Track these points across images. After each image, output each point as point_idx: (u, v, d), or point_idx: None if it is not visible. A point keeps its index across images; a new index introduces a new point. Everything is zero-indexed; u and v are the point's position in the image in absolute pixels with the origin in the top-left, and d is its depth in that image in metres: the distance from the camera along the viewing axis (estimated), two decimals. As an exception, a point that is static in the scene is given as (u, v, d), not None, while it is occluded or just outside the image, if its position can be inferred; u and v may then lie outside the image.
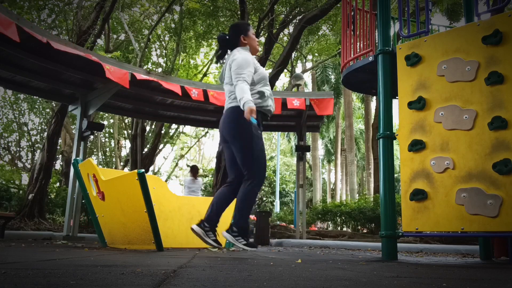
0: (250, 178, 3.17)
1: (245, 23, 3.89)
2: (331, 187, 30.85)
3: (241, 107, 3.04)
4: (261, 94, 3.27)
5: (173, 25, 14.15)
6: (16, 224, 8.80)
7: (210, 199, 6.15)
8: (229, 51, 3.46)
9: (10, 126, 20.22)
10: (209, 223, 3.20)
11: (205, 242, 3.20)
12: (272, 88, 11.48)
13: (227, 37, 3.43)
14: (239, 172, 3.27)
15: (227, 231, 3.19)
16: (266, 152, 3.37)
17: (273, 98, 3.43)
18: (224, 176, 10.54)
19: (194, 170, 8.92)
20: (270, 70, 12.48)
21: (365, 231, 11.52)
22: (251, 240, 3.38)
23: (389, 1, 3.91)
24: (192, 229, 3.20)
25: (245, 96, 3.04)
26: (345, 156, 24.32)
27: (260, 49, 10.17)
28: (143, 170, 3.86)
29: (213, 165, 20.48)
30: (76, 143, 7.57)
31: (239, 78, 3.12)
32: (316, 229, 12.45)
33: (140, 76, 6.95)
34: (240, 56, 3.23)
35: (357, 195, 20.11)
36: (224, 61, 3.48)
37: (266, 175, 3.51)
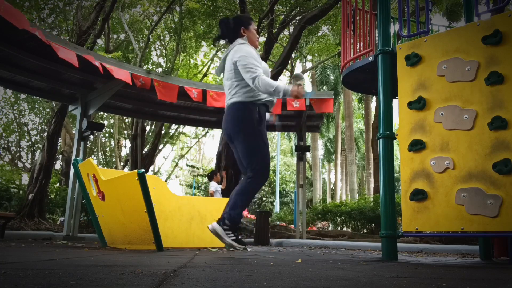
0: (251, 174, 3.06)
1: (248, 16, 3.77)
2: (331, 187, 30.85)
3: (282, 96, 2.99)
4: None
5: (173, 25, 14.15)
6: (16, 224, 8.80)
7: (209, 200, 6.18)
8: (228, 45, 3.35)
9: (10, 126, 20.23)
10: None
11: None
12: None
13: (229, 23, 3.31)
14: None
15: (218, 222, 2.98)
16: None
17: None
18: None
19: (212, 175, 9.30)
20: (270, 70, 12.47)
21: (365, 231, 11.52)
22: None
23: (389, 1, 3.91)
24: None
25: (277, 85, 2.99)
26: (345, 156, 24.33)
27: (260, 49, 10.14)
28: (143, 170, 3.85)
29: (213, 165, 20.47)
30: (76, 143, 7.57)
31: (254, 72, 3.04)
32: (316, 229, 12.44)
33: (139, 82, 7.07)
34: (244, 50, 3.14)
35: (357, 195, 20.11)
36: (223, 52, 3.41)
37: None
